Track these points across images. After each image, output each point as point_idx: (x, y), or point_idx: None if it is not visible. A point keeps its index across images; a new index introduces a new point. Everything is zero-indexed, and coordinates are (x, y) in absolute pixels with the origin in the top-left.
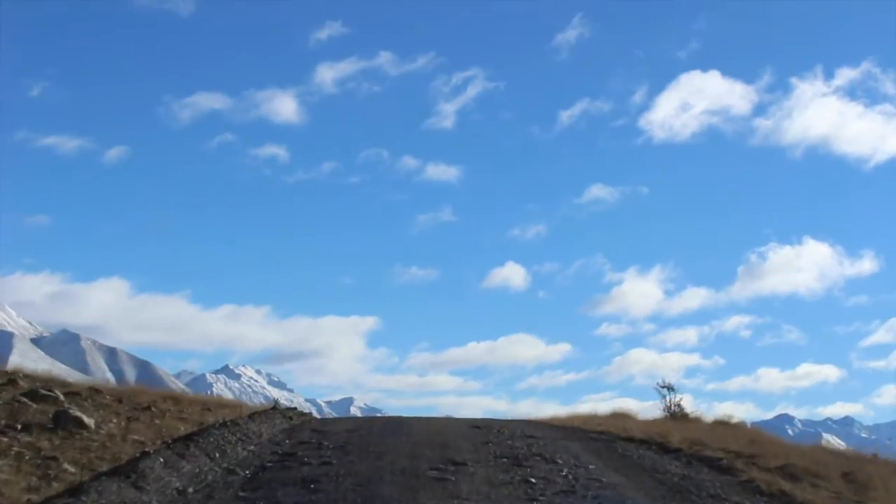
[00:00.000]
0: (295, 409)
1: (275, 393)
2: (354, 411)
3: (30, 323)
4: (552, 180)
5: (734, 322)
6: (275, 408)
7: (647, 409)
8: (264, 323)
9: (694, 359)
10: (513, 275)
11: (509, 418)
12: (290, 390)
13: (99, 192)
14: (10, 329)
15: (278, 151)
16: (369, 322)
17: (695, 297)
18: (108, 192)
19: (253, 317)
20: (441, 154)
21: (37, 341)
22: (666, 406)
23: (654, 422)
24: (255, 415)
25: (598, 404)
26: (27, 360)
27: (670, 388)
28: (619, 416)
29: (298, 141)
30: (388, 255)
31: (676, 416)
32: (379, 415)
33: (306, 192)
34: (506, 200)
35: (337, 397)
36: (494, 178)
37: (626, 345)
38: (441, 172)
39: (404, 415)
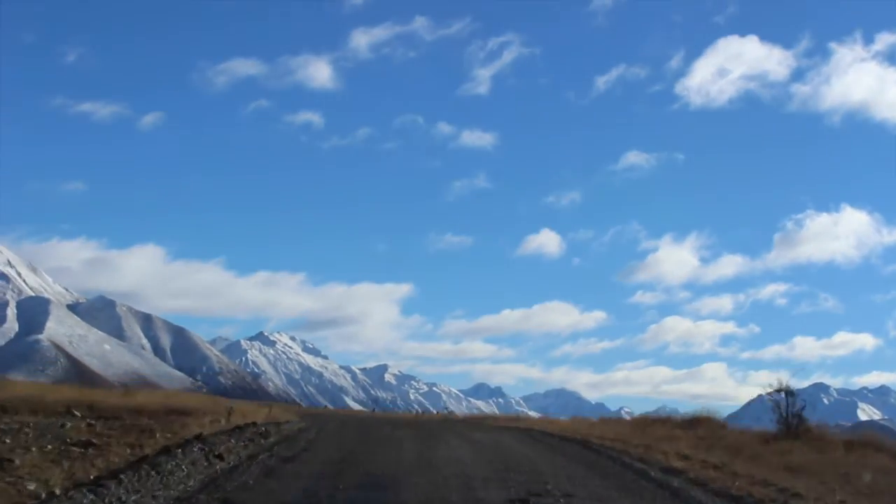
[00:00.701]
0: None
1: (309, 359)
2: (389, 378)
3: (66, 289)
4: (588, 147)
5: (770, 290)
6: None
7: (680, 377)
8: (299, 290)
9: (729, 327)
10: (547, 242)
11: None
12: (325, 357)
13: (134, 158)
14: (46, 295)
15: (313, 118)
16: (404, 289)
17: (730, 265)
18: (144, 158)
19: (288, 283)
20: (476, 120)
21: (73, 308)
22: (781, 418)
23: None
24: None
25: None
26: (63, 326)
27: (789, 394)
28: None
29: (333, 107)
30: (423, 222)
31: (795, 430)
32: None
33: (341, 159)
34: (541, 167)
35: (371, 364)
36: (530, 144)
37: (660, 312)
38: (476, 139)
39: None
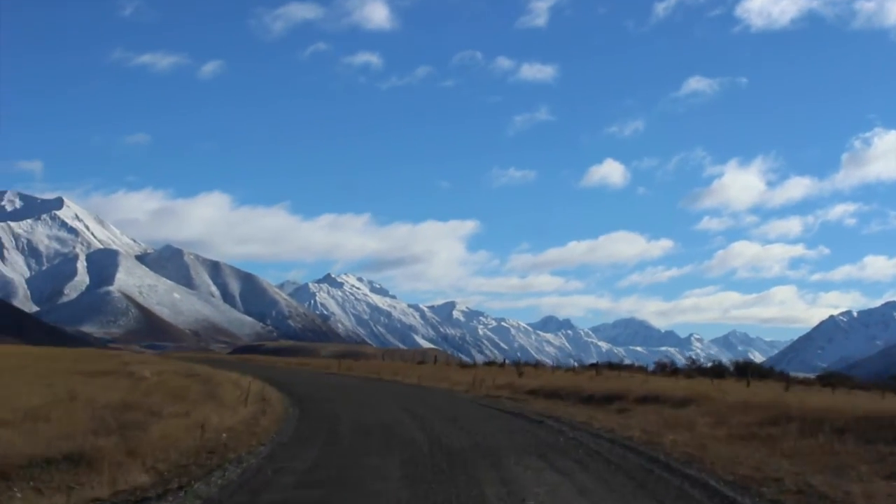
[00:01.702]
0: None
1: (377, 299)
2: (457, 315)
3: (134, 240)
4: (649, 74)
5: (839, 210)
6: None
7: (749, 302)
8: (364, 230)
9: (798, 249)
10: (611, 172)
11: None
12: (393, 297)
13: (196, 107)
14: (115, 247)
15: (371, 58)
16: (469, 226)
17: (798, 187)
18: (205, 106)
19: (353, 225)
20: (535, 53)
21: (141, 258)
22: None
23: None
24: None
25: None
26: (132, 277)
27: None
28: None
29: (391, 47)
30: (486, 157)
31: None
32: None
33: (401, 99)
34: (602, 97)
35: (439, 302)
36: (590, 74)
37: (727, 238)
38: (536, 72)
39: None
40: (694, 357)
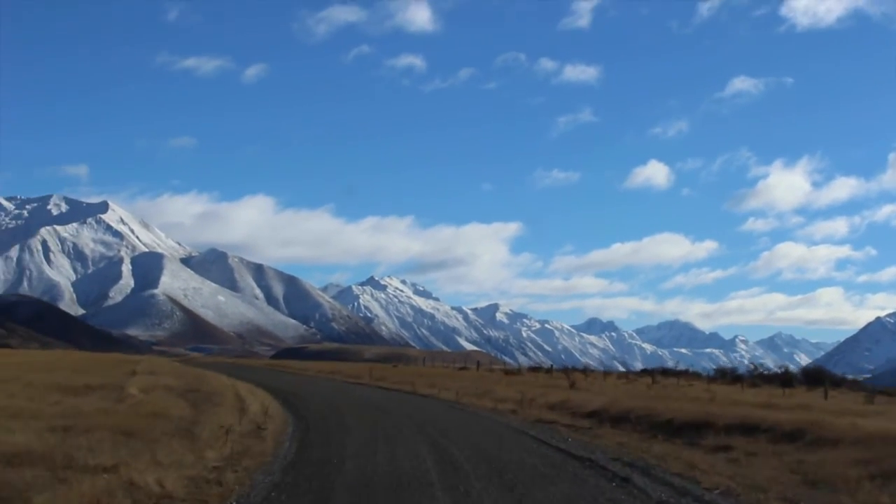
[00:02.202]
0: None
1: (420, 302)
2: (500, 317)
3: (179, 244)
4: (693, 75)
5: (886, 211)
6: None
7: (795, 303)
8: (408, 233)
9: (844, 251)
10: (655, 173)
11: None
12: (436, 299)
13: (240, 110)
14: (160, 250)
15: (415, 61)
16: (512, 228)
17: (844, 188)
18: (249, 110)
19: (396, 227)
20: (578, 54)
21: (186, 261)
22: None
23: None
24: None
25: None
26: (177, 280)
27: None
28: None
29: (434, 49)
30: (529, 159)
31: None
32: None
33: (444, 101)
34: (646, 98)
35: (482, 304)
36: (634, 75)
37: (773, 239)
38: (579, 73)
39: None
40: (738, 359)
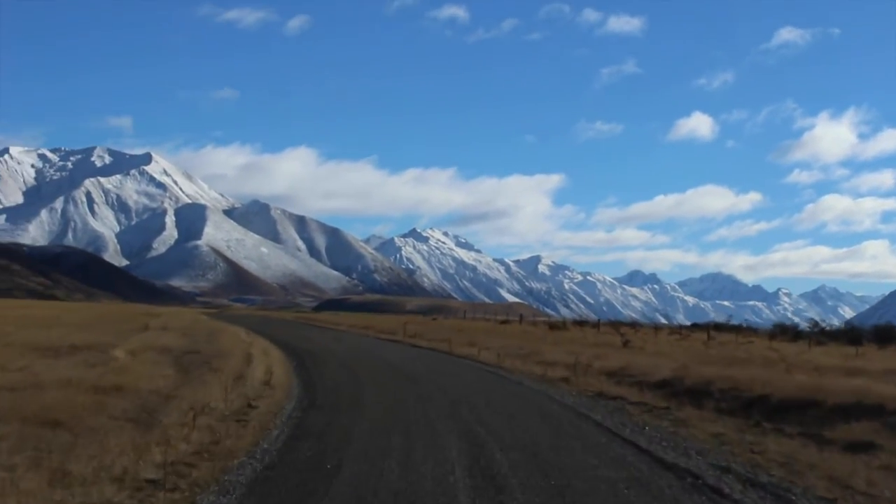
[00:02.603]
0: None
1: (462, 254)
2: (542, 269)
3: (222, 195)
4: (739, 26)
5: None
6: None
7: (840, 256)
8: (450, 185)
9: (890, 203)
10: (699, 125)
11: None
12: (478, 251)
13: (282, 62)
14: (203, 202)
15: (458, 12)
16: (555, 180)
17: (891, 139)
18: (292, 61)
19: (439, 179)
20: (623, 5)
21: (229, 213)
22: None
23: None
24: None
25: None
26: (220, 231)
27: None
28: None
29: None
30: (572, 111)
31: None
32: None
33: (487, 52)
34: (691, 49)
35: (524, 256)
36: (679, 26)
37: (817, 191)
38: (623, 24)
39: None
40: (782, 312)
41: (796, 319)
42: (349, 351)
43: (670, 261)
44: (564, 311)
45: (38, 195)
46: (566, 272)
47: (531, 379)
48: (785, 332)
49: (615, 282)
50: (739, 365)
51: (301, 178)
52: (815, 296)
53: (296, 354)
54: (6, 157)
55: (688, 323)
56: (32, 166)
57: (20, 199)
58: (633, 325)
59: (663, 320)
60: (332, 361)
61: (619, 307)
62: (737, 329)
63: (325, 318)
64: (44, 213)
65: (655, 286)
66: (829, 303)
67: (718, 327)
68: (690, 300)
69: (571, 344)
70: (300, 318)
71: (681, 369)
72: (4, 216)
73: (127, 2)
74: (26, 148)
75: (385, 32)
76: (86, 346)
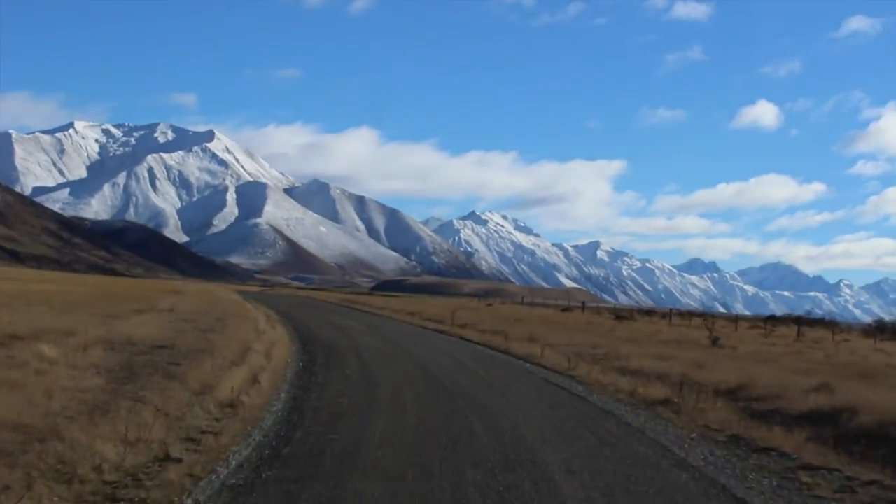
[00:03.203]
0: None
1: (521, 237)
2: (601, 255)
3: (282, 174)
4: (808, 13)
5: None
6: None
7: None
8: (511, 168)
9: None
10: (764, 113)
11: None
12: (537, 235)
13: (346, 42)
14: (264, 180)
15: None
16: (616, 165)
17: None
18: (356, 42)
19: (500, 162)
20: None
21: (289, 191)
22: None
23: None
24: None
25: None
26: (280, 210)
27: None
28: None
29: None
30: (635, 96)
31: None
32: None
33: (552, 36)
34: (758, 36)
35: (583, 241)
36: (746, 13)
37: (883, 183)
38: (690, 10)
39: None
40: (843, 304)
41: (857, 312)
42: (380, 346)
43: (730, 249)
44: (622, 298)
45: (101, 170)
46: (625, 258)
47: (623, 402)
48: (882, 329)
49: (674, 269)
50: (882, 381)
51: (362, 158)
52: (877, 288)
53: (310, 351)
54: (71, 131)
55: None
56: (96, 141)
57: (84, 174)
58: (704, 315)
59: (722, 309)
60: (350, 364)
61: (677, 294)
62: (820, 323)
63: (373, 300)
64: (106, 188)
65: (715, 275)
66: (892, 295)
67: (799, 321)
68: (750, 289)
69: (651, 342)
70: (347, 300)
71: (824, 389)
72: (68, 190)
73: None
74: (91, 123)
75: (449, 15)
76: (32, 336)
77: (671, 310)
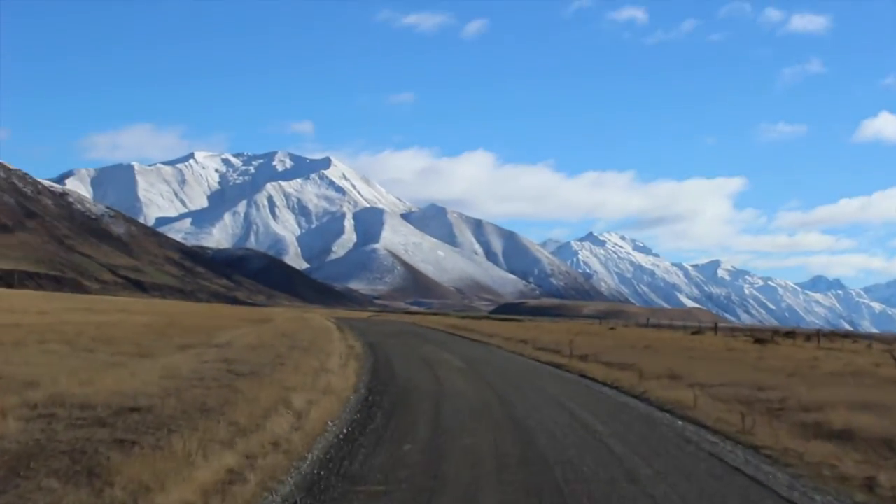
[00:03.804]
0: None
1: (640, 258)
2: (722, 274)
3: (399, 199)
4: None
5: None
6: None
7: None
8: (628, 188)
9: None
10: (887, 125)
11: None
12: (656, 255)
13: (460, 66)
14: (380, 206)
15: (636, 13)
16: (735, 183)
17: None
18: (469, 65)
19: (616, 182)
20: (807, 3)
21: (406, 216)
22: None
23: None
24: None
25: None
26: (398, 235)
27: None
28: None
29: (656, 0)
30: (753, 112)
31: None
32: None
33: (666, 53)
34: (879, 47)
35: (703, 260)
36: (865, 24)
37: None
38: (807, 23)
39: None
40: None
41: None
42: (472, 393)
43: (855, 266)
44: (744, 317)
45: (221, 199)
46: (746, 277)
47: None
48: None
49: (797, 287)
50: None
51: (478, 181)
52: None
53: (372, 403)
54: (191, 161)
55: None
56: (216, 171)
57: (205, 203)
58: (848, 335)
59: (848, 327)
60: (418, 429)
61: (801, 313)
62: None
63: (483, 326)
64: (227, 217)
65: (840, 292)
66: None
67: None
68: (877, 306)
69: (819, 376)
70: (454, 326)
71: None
72: (190, 219)
73: (308, 10)
74: (211, 153)
75: (563, 35)
76: None
77: (818, 331)
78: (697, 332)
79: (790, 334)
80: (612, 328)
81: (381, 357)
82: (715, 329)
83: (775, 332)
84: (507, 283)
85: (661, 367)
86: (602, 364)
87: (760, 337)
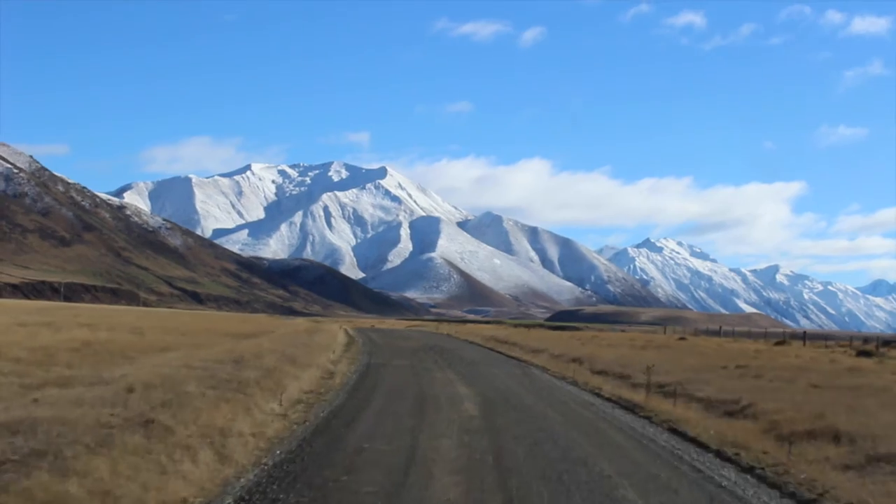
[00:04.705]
0: None
1: (697, 263)
2: (780, 279)
3: (455, 207)
4: None
5: None
6: None
7: None
8: (685, 194)
9: None
10: None
11: None
12: (713, 260)
13: (517, 74)
14: (437, 214)
15: (695, 18)
16: (794, 187)
17: None
18: (526, 73)
19: (673, 188)
20: (868, 5)
21: (462, 225)
22: None
23: None
24: None
25: None
26: (454, 243)
27: None
28: None
29: (715, 5)
30: (813, 115)
31: None
32: None
33: (725, 58)
34: None
35: (762, 265)
36: None
37: None
38: (869, 25)
39: None
40: None
41: None
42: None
43: None
44: (804, 322)
45: (278, 210)
46: (805, 282)
47: None
48: None
49: (858, 291)
50: None
51: (534, 189)
52: None
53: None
54: (248, 173)
55: None
56: (273, 182)
57: (261, 214)
58: None
59: None
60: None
61: (862, 318)
62: None
63: (531, 338)
64: (283, 227)
65: None
66: None
67: None
68: None
69: None
70: (496, 338)
71: None
72: (247, 231)
73: (366, 22)
74: (267, 164)
75: (620, 42)
76: None
77: None
78: (782, 342)
79: (888, 343)
80: (681, 338)
81: (359, 398)
82: (804, 339)
83: (863, 341)
84: (563, 290)
85: (788, 403)
86: (701, 404)
87: (863, 348)
